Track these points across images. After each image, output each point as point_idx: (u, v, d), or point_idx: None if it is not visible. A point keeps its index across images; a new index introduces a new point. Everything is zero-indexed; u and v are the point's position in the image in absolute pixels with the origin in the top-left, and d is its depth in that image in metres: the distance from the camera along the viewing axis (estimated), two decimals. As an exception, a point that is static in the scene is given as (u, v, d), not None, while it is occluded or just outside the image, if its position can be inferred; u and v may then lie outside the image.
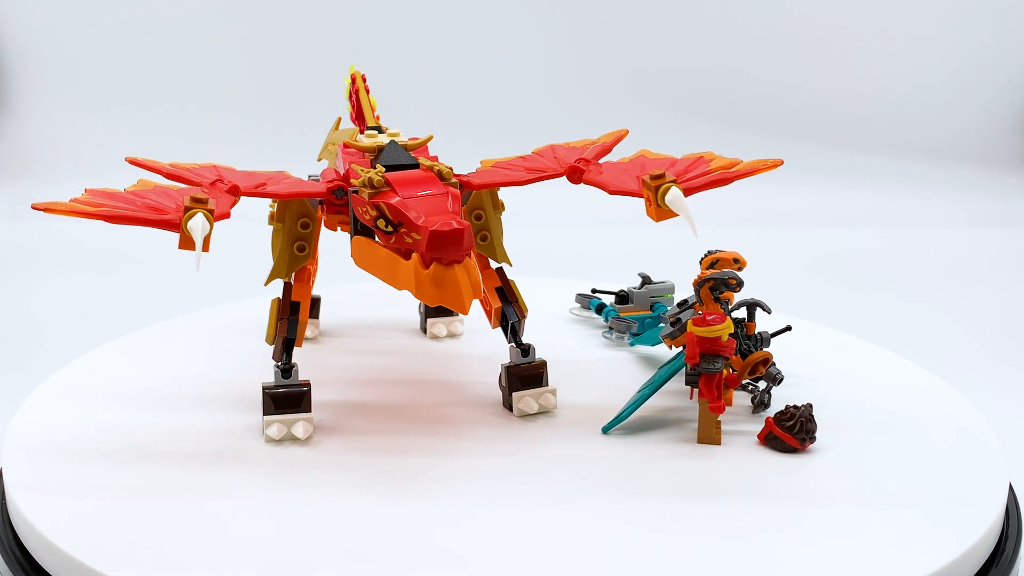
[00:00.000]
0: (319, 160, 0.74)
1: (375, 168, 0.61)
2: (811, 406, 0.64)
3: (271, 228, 0.67)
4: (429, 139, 0.66)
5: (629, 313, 0.80)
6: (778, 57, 1.66)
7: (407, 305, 0.83)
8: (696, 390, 0.65)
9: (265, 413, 0.64)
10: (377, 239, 0.60)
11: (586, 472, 0.62)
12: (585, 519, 0.57)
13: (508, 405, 0.69)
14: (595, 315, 0.84)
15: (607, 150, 0.70)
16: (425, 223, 0.56)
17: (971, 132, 1.66)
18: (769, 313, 0.68)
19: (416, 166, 0.62)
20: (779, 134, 1.59)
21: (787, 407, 0.64)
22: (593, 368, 0.75)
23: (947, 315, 1.24)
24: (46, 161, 1.58)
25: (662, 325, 0.77)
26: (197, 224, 0.56)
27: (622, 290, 0.82)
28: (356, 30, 1.63)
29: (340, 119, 0.76)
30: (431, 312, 0.81)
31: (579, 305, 0.86)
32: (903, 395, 0.72)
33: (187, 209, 0.57)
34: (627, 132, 0.73)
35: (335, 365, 0.75)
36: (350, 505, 0.58)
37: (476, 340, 0.80)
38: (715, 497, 0.59)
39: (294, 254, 0.65)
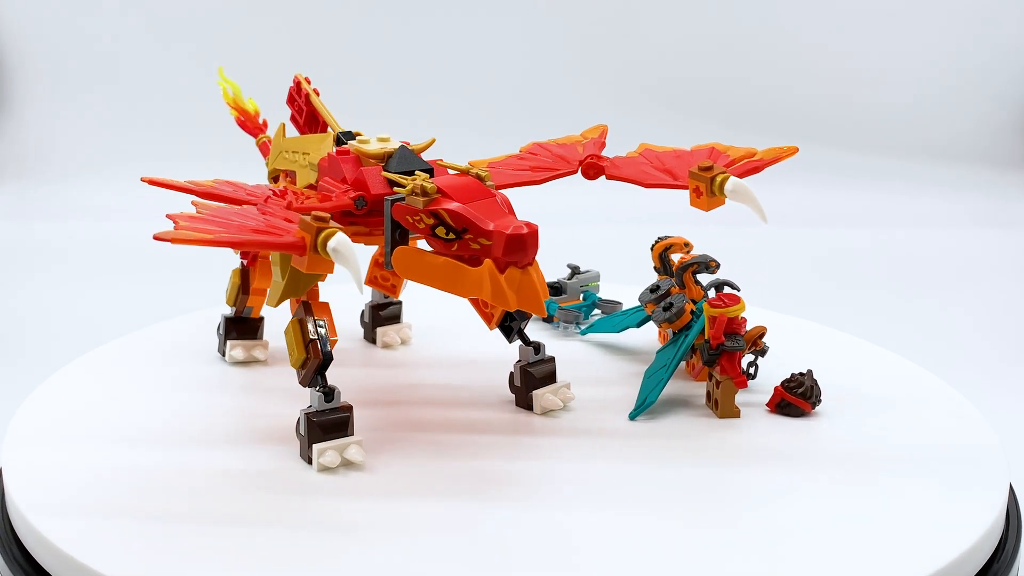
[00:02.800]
0: (270, 167, 0.72)
1: (419, 176, 0.58)
2: (812, 371, 0.69)
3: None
4: (431, 143, 0.66)
5: (566, 304, 0.82)
6: (778, 59, 1.66)
7: (342, 315, 0.81)
8: (696, 368, 0.71)
9: (312, 441, 0.61)
10: (427, 247, 0.58)
11: (639, 457, 0.63)
12: (666, 500, 0.59)
13: (524, 404, 0.69)
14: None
15: (602, 145, 0.70)
16: (498, 228, 0.55)
17: (972, 132, 1.66)
18: (738, 291, 0.70)
19: (431, 171, 0.61)
20: (780, 134, 1.59)
21: (792, 375, 0.68)
22: (562, 359, 0.74)
23: (948, 315, 1.24)
24: (46, 161, 1.58)
25: (598, 312, 0.83)
26: (346, 244, 0.54)
27: (555, 282, 0.83)
28: (336, 30, 1.63)
29: (284, 125, 0.73)
30: (379, 321, 0.79)
31: None
32: (903, 394, 0.72)
33: (319, 230, 0.54)
34: (607, 127, 0.73)
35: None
36: (442, 512, 0.57)
37: (433, 344, 0.80)
38: (760, 464, 0.62)
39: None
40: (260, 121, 0.80)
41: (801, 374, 0.69)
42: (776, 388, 0.68)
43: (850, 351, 0.80)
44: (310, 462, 0.61)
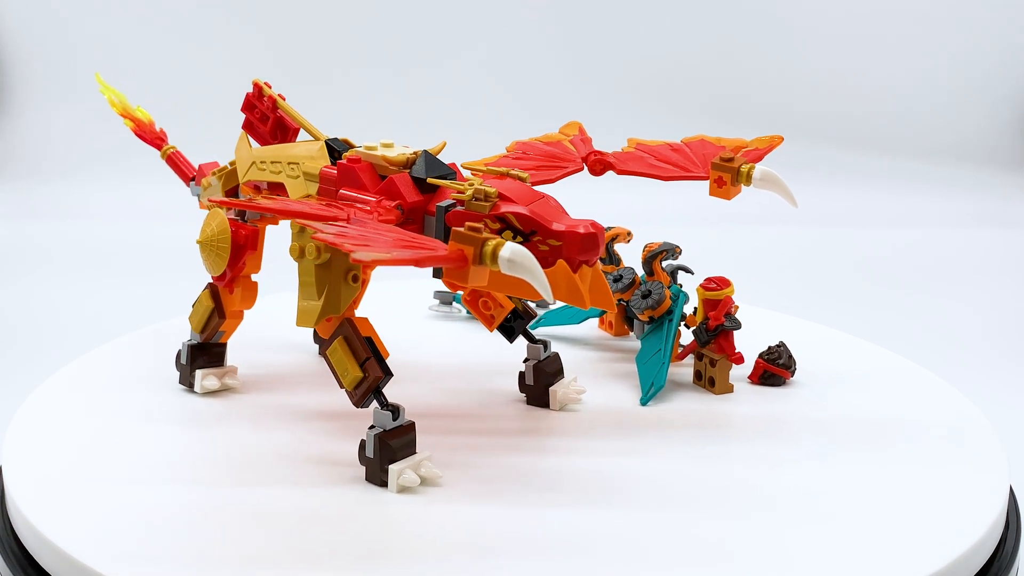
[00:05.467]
0: (242, 179, 0.68)
1: (473, 181, 0.57)
2: (783, 342, 0.74)
3: (302, 262, 0.59)
4: (443, 146, 0.64)
5: None
6: (781, 59, 1.66)
7: (284, 328, 0.75)
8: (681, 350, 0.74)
9: (388, 462, 0.58)
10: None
11: (678, 439, 0.65)
12: (712, 471, 0.62)
13: (538, 402, 0.69)
14: (459, 309, 0.86)
15: (591, 140, 0.70)
16: (569, 228, 0.55)
17: (975, 133, 1.66)
18: (692, 275, 0.74)
19: (453, 175, 0.60)
20: (780, 134, 1.59)
21: (769, 347, 0.74)
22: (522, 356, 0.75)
23: (948, 314, 1.24)
24: (46, 161, 1.58)
25: (545, 306, 0.84)
26: (522, 253, 0.51)
27: None
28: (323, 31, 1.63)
29: (246, 135, 0.70)
30: None
31: (438, 301, 0.86)
32: (903, 394, 0.72)
33: (484, 241, 0.51)
34: (581, 123, 0.73)
35: (312, 400, 0.70)
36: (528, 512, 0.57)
37: (396, 354, 0.77)
38: (767, 433, 0.67)
39: (348, 285, 0.58)
40: (158, 130, 0.76)
41: (777, 346, 0.73)
42: (757, 361, 0.73)
43: (848, 350, 0.80)
44: (382, 485, 0.58)
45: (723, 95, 1.64)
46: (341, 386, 0.59)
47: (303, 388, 0.72)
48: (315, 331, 0.77)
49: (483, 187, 0.56)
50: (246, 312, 0.70)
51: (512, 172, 0.59)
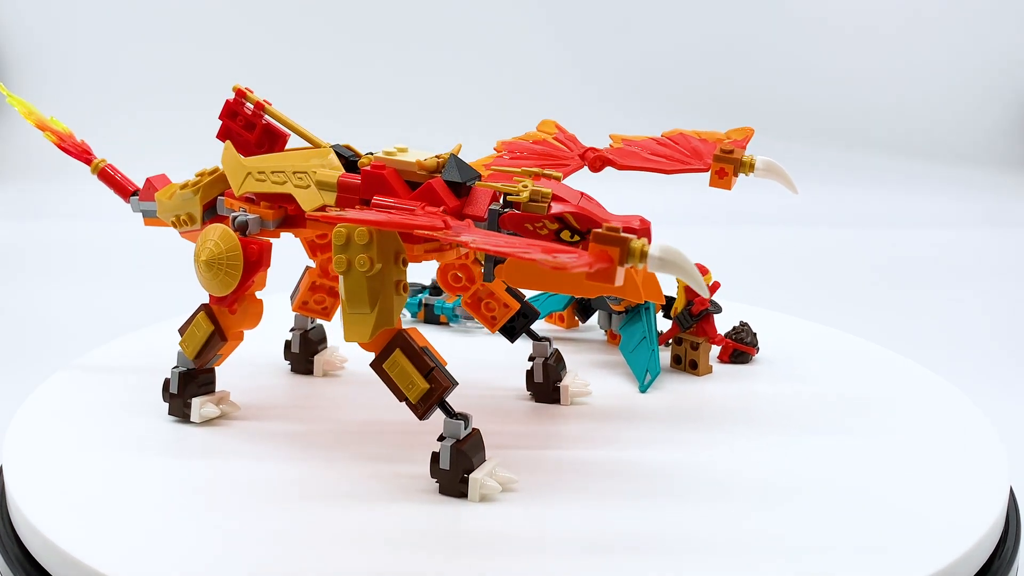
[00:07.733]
0: (239, 192, 0.64)
1: (525, 182, 0.56)
2: (744, 321, 0.79)
3: (348, 275, 0.57)
4: (459, 148, 0.63)
5: (451, 300, 0.84)
6: (781, 59, 1.66)
7: (261, 340, 0.73)
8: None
9: (466, 472, 0.57)
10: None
11: (688, 424, 0.68)
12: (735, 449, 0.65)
13: (548, 399, 0.70)
14: (408, 315, 0.86)
15: (575, 138, 0.71)
16: (625, 226, 0.54)
17: (976, 134, 1.66)
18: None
19: (478, 176, 0.60)
20: (780, 133, 1.59)
21: (734, 328, 0.78)
22: (497, 354, 0.75)
23: (949, 314, 1.24)
24: (46, 161, 1.58)
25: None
26: (673, 250, 0.50)
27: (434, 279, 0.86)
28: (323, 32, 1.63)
29: (231, 144, 0.66)
30: (313, 348, 0.74)
31: None
32: (904, 394, 0.72)
33: (629, 241, 0.50)
34: (555, 121, 0.73)
35: (313, 422, 0.68)
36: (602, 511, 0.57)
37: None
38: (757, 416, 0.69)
39: (399, 295, 0.57)
40: (79, 141, 0.73)
41: (740, 326, 0.78)
42: (726, 342, 0.77)
43: (849, 350, 0.80)
44: (461, 496, 0.58)
45: (724, 96, 1.64)
46: (401, 399, 0.58)
47: (295, 409, 0.70)
48: (287, 347, 0.76)
49: (539, 189, 0.55)
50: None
51: (544, 172, 0.58)
